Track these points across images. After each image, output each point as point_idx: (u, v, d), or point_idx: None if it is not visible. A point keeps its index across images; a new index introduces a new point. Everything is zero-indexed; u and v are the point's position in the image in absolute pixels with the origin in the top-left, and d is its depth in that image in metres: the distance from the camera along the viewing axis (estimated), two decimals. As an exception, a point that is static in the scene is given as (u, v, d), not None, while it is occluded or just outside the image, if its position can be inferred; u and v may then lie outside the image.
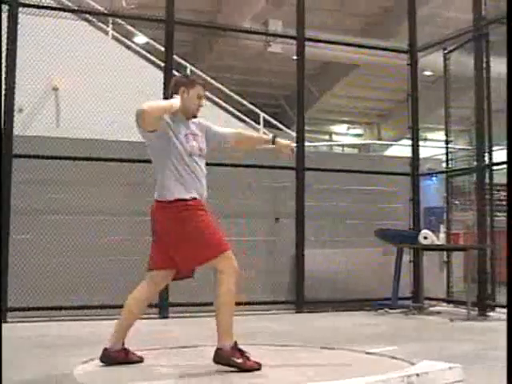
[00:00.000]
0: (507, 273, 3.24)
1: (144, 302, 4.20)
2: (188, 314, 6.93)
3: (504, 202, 8.74)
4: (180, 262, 4.02)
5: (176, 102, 4.07)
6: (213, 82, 10.70)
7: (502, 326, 3.63)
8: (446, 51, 8.11)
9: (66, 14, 7.25)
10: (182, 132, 4.10)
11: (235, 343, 3.96)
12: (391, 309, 7.47)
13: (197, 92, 4.18)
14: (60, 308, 6.50)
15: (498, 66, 6.66)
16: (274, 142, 4.41)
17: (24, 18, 6.59)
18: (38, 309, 6.42)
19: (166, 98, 6.87)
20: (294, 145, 4.49)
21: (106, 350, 4.07)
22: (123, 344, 4.13)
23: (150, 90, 7.68)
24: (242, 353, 3.95)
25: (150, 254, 4.22)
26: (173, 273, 4.15)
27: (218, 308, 3.97)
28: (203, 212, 4.04)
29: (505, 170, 6.93)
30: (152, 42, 10.09)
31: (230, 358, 3.91)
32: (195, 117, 4.23)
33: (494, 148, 7.36)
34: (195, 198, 4.03)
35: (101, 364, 4.05)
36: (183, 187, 4.02)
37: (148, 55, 9.86)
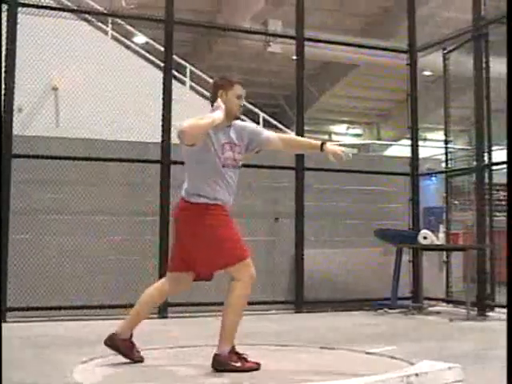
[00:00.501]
0: (507, 273, 3.25)
1: (164, 296, 4.27)
2: (187, 314, 6.92)
3: (503, 202, 8.74)
4: (199, 265, 4.04)
5: (219, 115, 3.97)
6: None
7: (502, 325, 3.64)
8: (445, 51, 8.11)
9: (65, 13, 7.24)
10: (219, 142, 4.05)
11: (233, 347, 3.96)
12: (391, 309, 7.46)
13: (236, 92, 4.13)
14: (59, 308, 6.50)
15: (498, 66, 6.66)
16: (322, 149, 4.25)
17: (23, 17, 6.58)
18: (37, 309, 6.41)
19: (164, 99, 7.01)
20: (344, 149, 4.28)
21: (114, 334, 4.10)
22: (131, 336, 4.14)
23: (149, 90, 7.70)
24: (238, 355, 3.96)
25: (171, 256, 4.24)
26: (193, 275, 4.15)
27: (226, 310, 3.98)
28: (226, 217, 4.05)
29: (504, 170, 6.94)
30: (151, 41, 10.09)
31: (227, 362, 3.91)
32: (238, 118, 4.19)
33: (493, 148, 7.35)
34: (219, 204, 4.03)
35: (100, 364, 4.05)
36: (211, 194, 4.01)
37: (147, 55, 9.86)
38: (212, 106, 4.11)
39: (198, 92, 10.37)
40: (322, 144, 4.27)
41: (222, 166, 4.04)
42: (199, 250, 3.98)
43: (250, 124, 4.41)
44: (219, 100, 4.07)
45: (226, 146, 4.07)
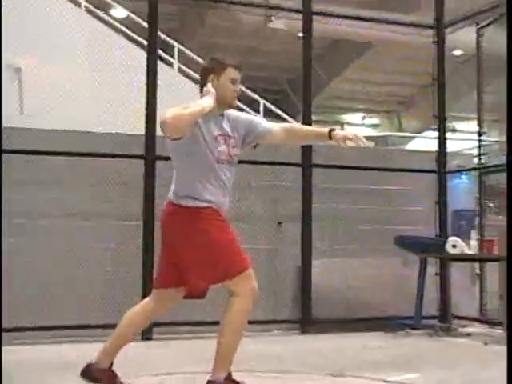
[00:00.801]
0: (507, 273, 3.23)
1: (149, 318, 4.24)
2: (175, 336, 6.92)
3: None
4: (192, 278, 3.97)
5: (208, 102, 3.94)
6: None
7: (545, 349, 3.62)
8: (478, 26, 8.10)
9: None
10: (212, 133, 4.03)
11: (229, 374, 3.95)
12: (414, 329, 7.45)
13: (229, 76, 4.10)
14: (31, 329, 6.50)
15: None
16: (331, 137, 4.22)
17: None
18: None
19: (149, 84, 7.00)
20: (357, 133, 4.23)
21: (91, 364, 4.08)
22: (112, 364, 4.13)
23: (130, 71, 7.69)
24: (235, 383, 3.95)
25: (158, 270, 4.22)
26: (183, 291, 4.12)
27: (222, 330, 3.96)
28: (222, 222, 4.04)
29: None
30: (132, 15, 10.08)
31: None
32: (232, 106, 4.17)
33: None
34: (213, 208, 4.01)
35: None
36: (203, 195, 3.99)
37: (128, 31, 9.85)
38: (201, 92, 4.09)
39: (187, 75, 10.37)
40: (331, 131, 4.23)
41: (216, 161, 4.03)
42: (191, 260, 3.95)
43: (245, 114, 4.39)
44: (209, 85, 4.05)
45: (219, 139, 4.06)
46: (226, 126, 4.13)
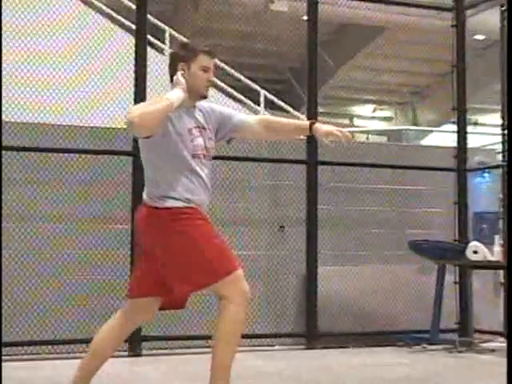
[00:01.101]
0: (507, 274, 3.21)
1: (124, 333, 4.18)
2: (165, 351, 6.91)
3: None
4: (176, 284, 3.96)
5: (177, 95, 3.96)
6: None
7: None
8: (503, 8, 8.08)
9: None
10: (185, 126, 4.05)
11: None
12: (431, 344, 7.46)
13: (200, 64, 4.11)
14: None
15: None
16: (311, 130, 4.30)
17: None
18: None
19: (137, 71, 6.99)
20: (341, 128, 4.30)
21: None
22: None
23: (117, 59, 7.66)
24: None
25: (133, 277, 4.19)
26: (158, 302, 4.11)
27: (217, 341, 3.93)
28: (203, 221, 4.03)
29: None
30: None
31: None
32: (205, 97, 4.18)
33: None
34: (192, 207, 4.01)
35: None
36: (182, 194, 3.99)
37: (114, 14, 9.83)
38: (171, 82, 4.11)
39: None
40: (312, 124, 4.32)
41: (191, 156, 4.04)
42: (175, 264, 3.94)
43: (218, 105, 4.39)
44: (179, 74, 4.06)
45: (193, 132, 4.08)
46: (199, 117, 4.17)
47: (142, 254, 4.15)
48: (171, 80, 4.13)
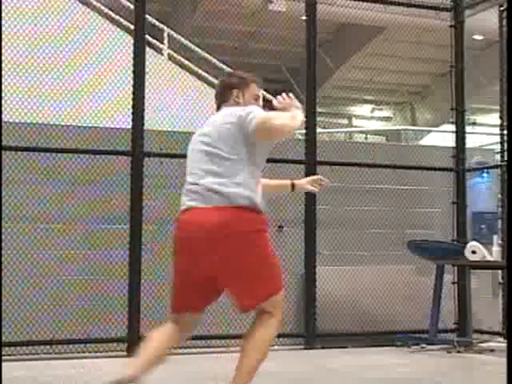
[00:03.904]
0: (507, 274, 3.24)
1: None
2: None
3: None
4: (240, 298, 3.99)
5: (302, 118, 4.10)
6: (198, 50, 10.66)
7: None
8: (502, 8, 8.09)
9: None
10: None
11: None
12: (429, 344, 7.47)
13: (252, 92, 4.23)
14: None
15: None
16: (293, 188, 4.78)
17: None
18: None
19: (135, 71, 6.97)
20: (317, 177, 4.85)
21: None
22: None
23: (114, 59, 7.65)
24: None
25: (175, 290, 4.12)
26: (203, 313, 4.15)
27: (251, 348, 3.98)
28: (267, 234, 4.07)
29: None
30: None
31: None
32: None
33: None
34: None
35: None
36: (258, 199, 4.05)
37: (112, 14, 9.82)
38: (218, 110, 4.18)
39: (178, 63, 10.35)
40: (293, 184, 4.80)
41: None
42: (243, 274, 3.94)
43: None
44: (295, 101, 4.14)
45: None
46: None
47: (195, 262, 3.96)
48: (218, 108, 4.20)
